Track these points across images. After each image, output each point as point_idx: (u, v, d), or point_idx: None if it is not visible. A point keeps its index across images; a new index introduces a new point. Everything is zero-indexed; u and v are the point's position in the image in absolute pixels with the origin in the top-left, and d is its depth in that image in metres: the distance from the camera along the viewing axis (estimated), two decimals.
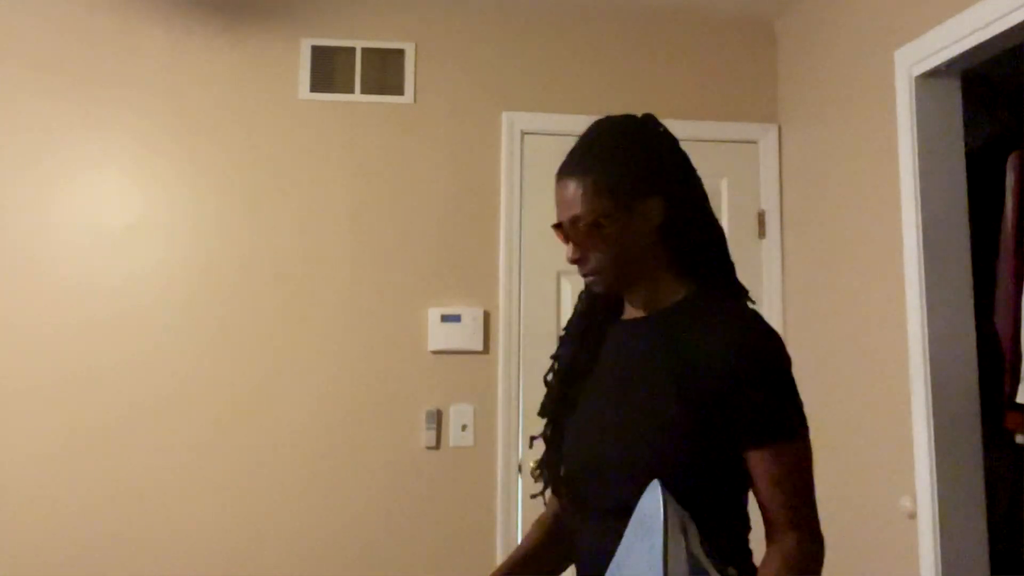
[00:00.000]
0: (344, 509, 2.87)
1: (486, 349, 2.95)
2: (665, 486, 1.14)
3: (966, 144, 2.43)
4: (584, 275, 1.34)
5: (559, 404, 1.39)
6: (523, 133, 3.08)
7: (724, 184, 3.16)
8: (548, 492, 1.42)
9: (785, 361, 1.29)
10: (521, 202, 3.04)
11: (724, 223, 3.16)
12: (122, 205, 2.90)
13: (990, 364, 2.44)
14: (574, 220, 1.29)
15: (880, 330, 2.53)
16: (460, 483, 2.87)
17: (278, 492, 2.84)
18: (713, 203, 3.37)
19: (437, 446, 2.90)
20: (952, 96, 2.41)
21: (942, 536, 2.25)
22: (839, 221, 2.78)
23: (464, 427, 2.91)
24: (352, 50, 3.06)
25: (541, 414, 1.43)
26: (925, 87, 2.40)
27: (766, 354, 1.27)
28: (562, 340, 1.45)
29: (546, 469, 1.40)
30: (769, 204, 3.15)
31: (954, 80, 2.41)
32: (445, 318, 2.95)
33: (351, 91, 3.04)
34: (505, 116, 3.08)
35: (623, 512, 1.19)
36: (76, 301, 2.83)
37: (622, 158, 1.31)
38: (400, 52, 3.08)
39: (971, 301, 2.36)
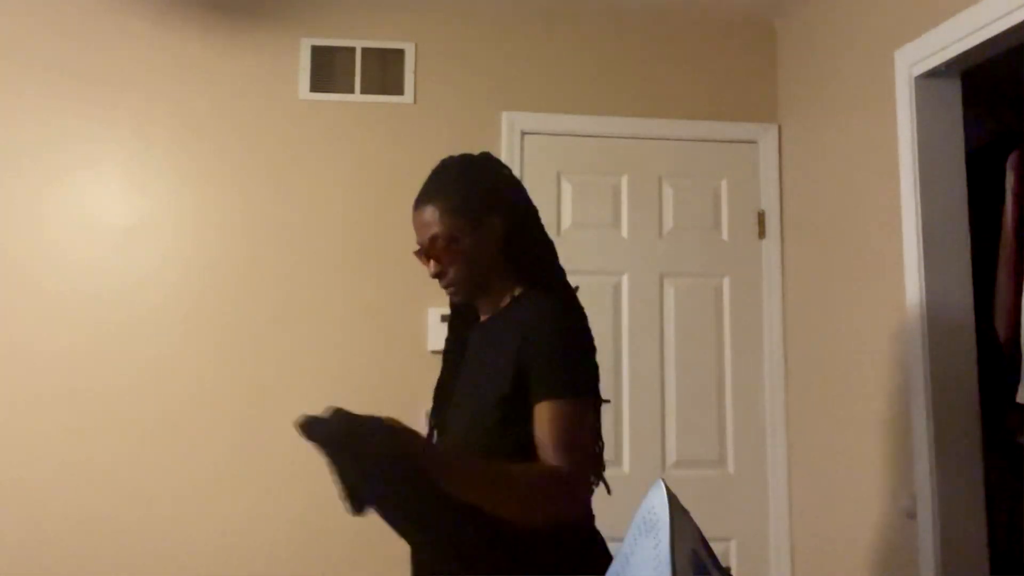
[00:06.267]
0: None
1: None
2: (502, 455, 1.40)
3: (966, 144, 2.43)
4: (444, 287, 1.59)
5: (441, 404, 1.64)
6: (523, 133, 3.08)
7: (724, 184, 3.16)
8: None
9: (570, 334, 1.48)
10: None
11: (724, 223, 3.24)
12: (122, 206, 2.90)
13: (990, 364, 2.44)
14: (433, 239, 1.54)
15: (880, 330, 2.54)
16: None
17: (279, 492, 2.84)
18: (713, 203, 3.41)
19: None
20: (952, 96, 2.41)
21: (942, 536, 2.24)
22: (839, 221, 2.78)
23: None
24: (352, 50, 3.06)
25: (432, 415, 1.67)
26: (925, 87, 2.40)
27: (552, 325, 1.47)
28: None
29: None
30: (769, 204, 3.15)
31: (954, 80, 2.41)
32: (445, 318, 2.94)
33: (351, 91, 3.04)
34: (505, 116, 3.08)
35: None
36: (76, 301, 2.83)
37: (467, 184, 1.56)
38: (400, 52, 3.08)
39: (971, 300, 2.36)
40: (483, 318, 1.64)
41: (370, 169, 3.02)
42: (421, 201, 1.57)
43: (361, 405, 3.07)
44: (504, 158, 3.05)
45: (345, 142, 3.02)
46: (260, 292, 2.92)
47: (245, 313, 2.90)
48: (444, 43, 3.11)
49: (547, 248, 1.61)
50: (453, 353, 1.67)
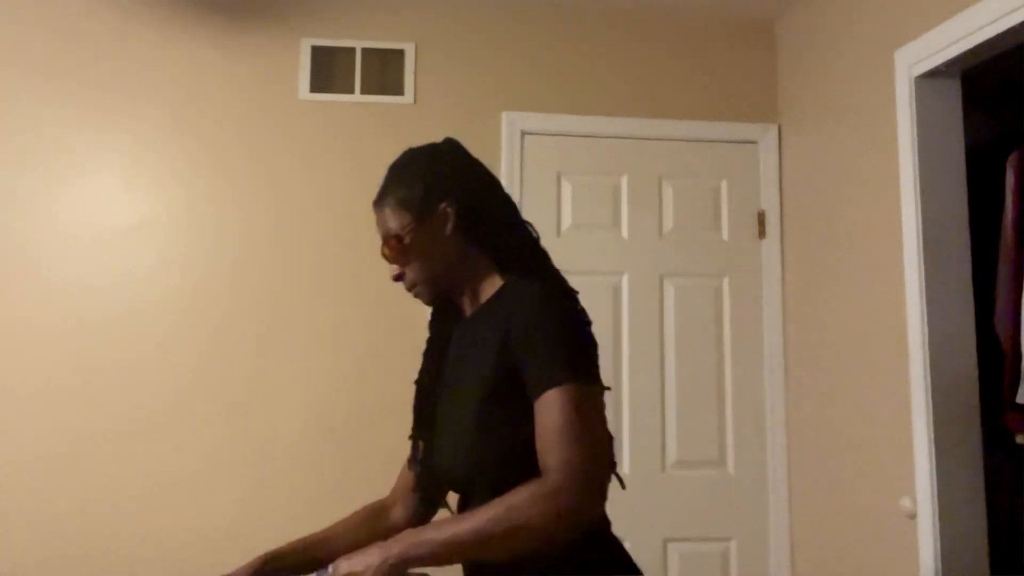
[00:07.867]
0: (344, 509, 2.86)
1: None
2: (490, 458, 1.32)
3: (966, 144, 2.43)
4: (408, 289, 1.47)
5: (425, 410, 1.51)
6: (523, 133, 3.08)
7: (724, 184, 3.16)
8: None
9: (563, 316, 1.32)
10: (521, 202, 3.04)
11: (724, 223, 3.24)
12: (121, 206, 2.90)
13: (990, 364, 2.44)
14: (386, 240, 1.45)
15: (880, 330, 2.54)
16: None
17: (276, 492, 2.84)
18: (713, 203, 3.41)
19: None
20: (952, 96, 2.41)
21: (942, 536, 2.24)
22: (839, 221, 2.78)
23: None
24: (352, 50, 3.06)
25: (414, 423, 1.54)
26: (925, 87, 2.40)
27: (541, 313, 1.31)
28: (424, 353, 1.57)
29: (419, 468, 1.52)
30: (769, 204, 3.15)
31: (954, 80, 2.41)
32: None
33: (351, 91, 3.04)
34: (505, 116, 3.08)
35: (481, 497, 1.28)
36: (75, 302, 2.83)
37: (412, 176, 1.47)
38: (400, 52, 3.08)
39: (971, 301, 2.36)
40: (468, 314, 1.50)
41: (370, 169, 2.99)
42: (376, 202, 1.50)
43: (361, 405, 3.08)
44: (504, 158, 3.05)
45: (345, 142, 3.02)
46: (259, 292, 2.92)
47: (243, 313, 2.90)
48: (444, 43, 3.11)
49: (522, 233, 1.46)
50: (435, 357, 1.53)
